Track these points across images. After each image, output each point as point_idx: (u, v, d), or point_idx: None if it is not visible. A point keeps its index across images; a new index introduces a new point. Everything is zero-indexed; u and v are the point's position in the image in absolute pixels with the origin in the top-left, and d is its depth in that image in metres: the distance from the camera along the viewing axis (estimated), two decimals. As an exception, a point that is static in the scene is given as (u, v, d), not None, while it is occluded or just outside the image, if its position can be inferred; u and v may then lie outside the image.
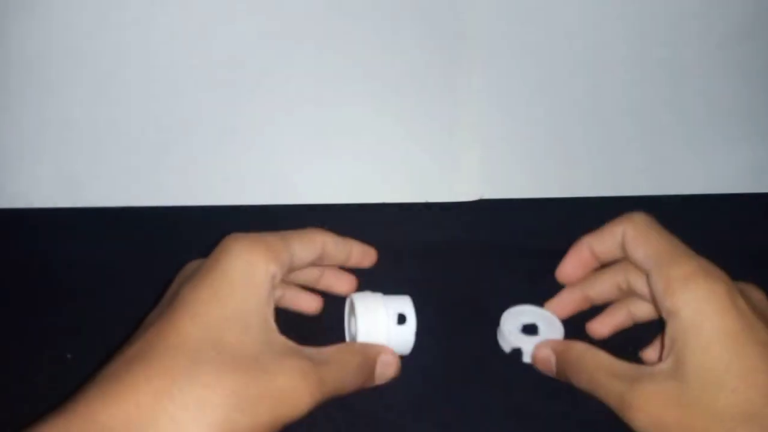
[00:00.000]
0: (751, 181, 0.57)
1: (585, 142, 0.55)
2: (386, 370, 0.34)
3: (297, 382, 0.28)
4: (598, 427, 0.36)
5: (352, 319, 0.37)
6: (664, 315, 0.31)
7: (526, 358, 0.39)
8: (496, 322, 0.41)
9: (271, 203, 0.53)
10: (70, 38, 0.48)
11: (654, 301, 0.33)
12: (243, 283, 0.29)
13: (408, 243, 0.49)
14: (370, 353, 0.34)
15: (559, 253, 0.50)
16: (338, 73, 0.51)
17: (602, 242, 0.37)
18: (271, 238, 0.31)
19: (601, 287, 0.39)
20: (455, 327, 0.43)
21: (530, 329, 0.40)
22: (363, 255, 0.39)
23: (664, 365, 0.30)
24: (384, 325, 0.35)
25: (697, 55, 0.52)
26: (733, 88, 0.54)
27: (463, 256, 0.49)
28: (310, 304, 0.39)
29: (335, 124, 0.53)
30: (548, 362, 0.36)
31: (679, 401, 0.28)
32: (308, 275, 0.38)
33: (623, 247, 0.35)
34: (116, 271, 0.47)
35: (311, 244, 0.34)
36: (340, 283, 0.39)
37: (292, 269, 0.33)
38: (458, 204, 0.55)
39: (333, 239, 0.36)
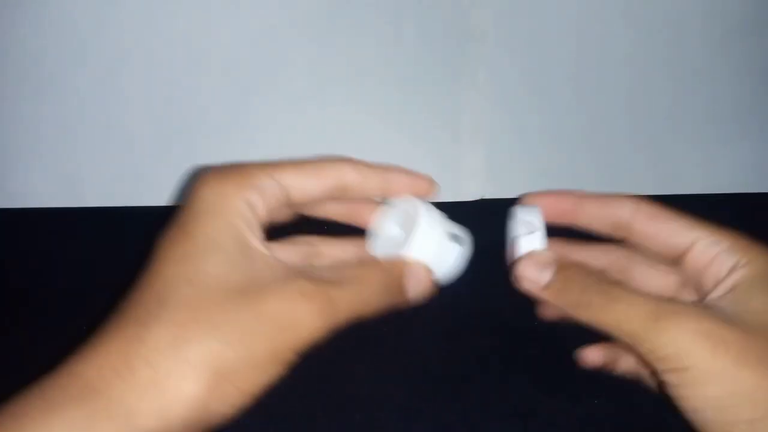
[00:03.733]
0: (752, 181, 0.57)
1: (587, 142, 0.55)
2: (418, 285, 0.30)
3: (296, 304, 0.25)
4: (598, 426, 0.36)
5: (391, 225, 0.31)
6: (717, 269, 0.29)
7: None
8: (496, 323, 0.41)
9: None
10: (69, 37, 0.48)
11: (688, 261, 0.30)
12: (212, 212, 0.26)
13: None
14: (395, 269, 0.29)
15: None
16: (340, 72, 0.51)
17: (601, 208, 0.31)
18: (250, 166, 0.28)
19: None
20: (456, 327, 0.43)
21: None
22: (409, 182, 0.32)
23: (717, 300, 0.27)
24: (437, 238, 0.30)
25: (698, 54, 0.53)
26: (734, 87, 0.54)
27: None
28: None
29: (336, 123, 0.52)
30: (539, 280, 0.30)
31: (742, 328, 0.25)
32: (334, 210, 0.33)
33: (628, 224, 0.31)
34: (116, 271, 0.47)
35: (316, 173, 0.29)
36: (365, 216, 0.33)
37: (291, 200, 0.29)
38: (460, 204, 0.55)
39: (356, 168, 0.30)
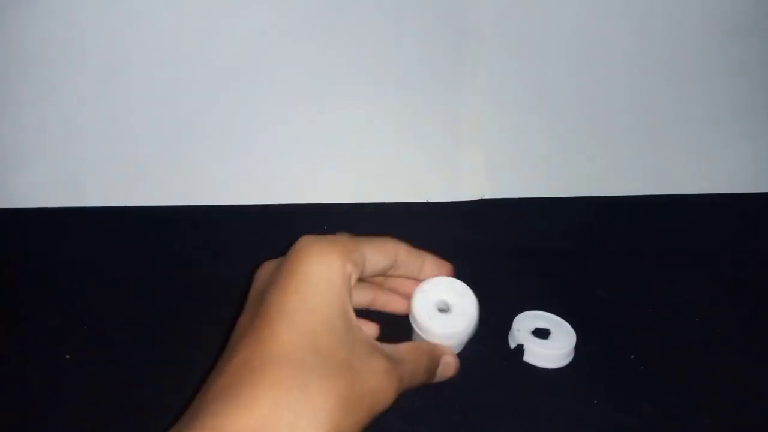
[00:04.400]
0: (752, 181, 0.57)
1: (587, 142, 0.55)
2: (447, 370, 0.36)
3: (385, 381, 0.30)
4: (599, 426, 0.36)
5: (430, 303, 0.37)
6: None
7: (527, 357, 0.39)
8: (496, 322, 0.41)
9: (271, 203, 0.53)
10: (70, 37, 0.48)
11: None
12: (326, 287, 0.30)
13: (409, 242, 0.49)
14: (436, 354, 0.35)
15: (561, 253, 0.50)
16: (340, 72, 0.51)
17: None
18: (345, 240, 0.32)
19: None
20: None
21: (542, 333, 0.40)
22: (438, 267, 0.38)
23: None
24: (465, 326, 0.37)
25: (698, 54, 0.52)
26: (733, 88, 0.54)
27: (465, 255, 0.48)
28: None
29: (337, 123, 0.52)
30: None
31: None
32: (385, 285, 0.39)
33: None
34: (115, 271, 0.47)
35: (384, 251, 0.34)
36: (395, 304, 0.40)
37: (365, 275, 0.33)
38: (460, 204, 0.55)
39: (407, 249, 0.36)
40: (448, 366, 0.36)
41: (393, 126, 0.53)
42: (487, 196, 0.55)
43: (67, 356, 0.40)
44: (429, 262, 0.37)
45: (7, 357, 0.40)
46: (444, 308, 0.38)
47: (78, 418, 0.36)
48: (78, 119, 0.51)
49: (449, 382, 0.38)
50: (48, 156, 0.52)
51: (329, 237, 0.32)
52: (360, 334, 0.31)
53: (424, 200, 0.55)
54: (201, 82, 0.50)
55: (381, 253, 0.34)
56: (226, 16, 0.48)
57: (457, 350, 0.40)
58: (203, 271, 0.47)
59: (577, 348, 0.40)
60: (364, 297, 0.38)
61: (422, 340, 0.38)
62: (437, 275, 0.37)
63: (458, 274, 0.42)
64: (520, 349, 0.40)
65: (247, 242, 0.49)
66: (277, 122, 0.52)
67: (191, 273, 0.47)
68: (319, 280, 0.30)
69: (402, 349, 0.33)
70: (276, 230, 0.51)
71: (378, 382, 0.29)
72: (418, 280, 0.37)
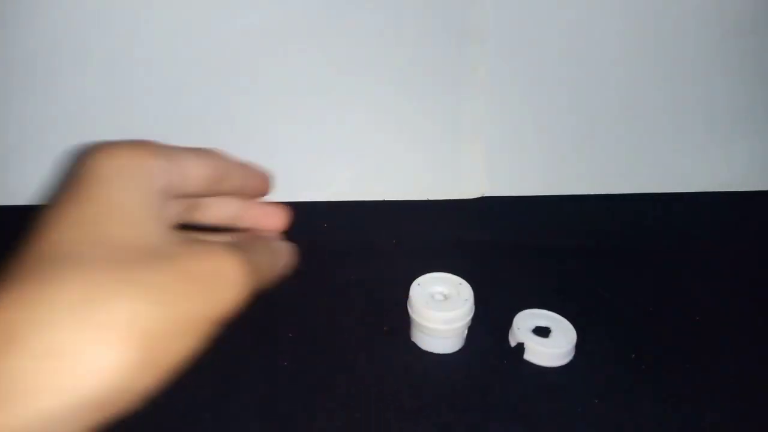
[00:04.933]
0: (751, 179, 0.57)
1: (586, 141, 0.55)
2: (282, 257, 0.29)
3: (223, 262, 0.22)
4: (599, 426, 0.36)
5: (433, 300, 0.40)
6: None
7: (528, 355, 0.39)
8: (497, 320, 0.41)
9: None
10: (70, 37, 0.48)
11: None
12: (114, 176, 0.23)
13: (410, 240, 0.49)
14: (269, 240, 0.30)
15: (561, 251, 0.50)
16: (340, 71, 0.51)
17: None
18: (149, 142, 0.26)
19: None
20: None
21: (542, 331, 0.40)
22: (262, 180, 0.32)
23: None
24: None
25: (697, 54, 0.52)
26: (733, 87, 0.54)
27: (465, 253, 0.49)
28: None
29: (338, 121, 0.52)
30: None
31: None
32: (225, 210, 0.31)
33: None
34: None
35: (203, 155, 0.27)
36: (269, 218, 0.33)
37: (185, 180, 0.26)
38: (460, 201, 0.55)
39: (225, 158, 0.29)
40: (282, 251, 0.29)
41: (394, 124, 0.53)
42: (487, 194, 0.55)
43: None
44: (251, 174, 0.32)
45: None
46: (440, 299, 0.40)
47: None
48: (79, 116, 0.51)
49: (449, 381, 0.39)
50: (49, 153, 0.52)
51: (128, 140, 0.25)
52: (180, 232, 0.24)
53: (425, 198, 0.55)
54: (201, 81, 0.50)
55: (201, 156, 0.27)
56: (228, 15, 0.48)
57: (458, 343, 0.40)
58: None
59: (578, 346, 0.40)
60: (223, 210, 0.31)
61: (422, 330, 0.39)
62: (261, 189, 0.33)
63: (459, 272, 0.42)
64: (520, 347, 0.40)
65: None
66: (278, 120, 0.52)
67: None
68: (106, 175, 0.23)
69: (233, 238, 0.28)
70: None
71: (215, 265, 0.22)
72: (243, 198, 0.32)
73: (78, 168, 0.24)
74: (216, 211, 0.31)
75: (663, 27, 0.51)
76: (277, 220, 0.33)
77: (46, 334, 0.18)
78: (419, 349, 0.40)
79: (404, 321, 0.40)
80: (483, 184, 0.55)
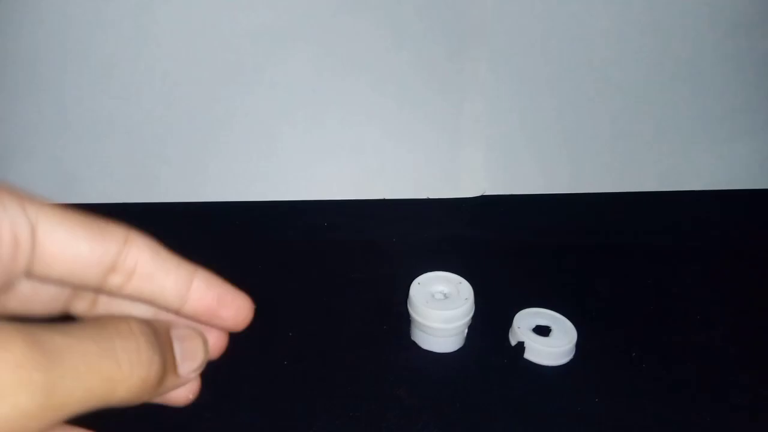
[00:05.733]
0: (753, 178, 0.57)
1: (588, 139, 0.55)
2: (192, 356, 0.20)
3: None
4: (599, 425, 0.36)
5: (433, 300, 0.39)
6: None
7: (528, 354, 0.39)
8: (497, 319, 0.41)
9: (271, 199, 0.53)
10: (68, 35, 0.48)
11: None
12: None
13: (410, 239, 0.49)
14: (159, 329, 0.19)
15: (562, 249, 0.50)
16: (342, 70, 0.50)
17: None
18: None
19: None
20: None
21: (543, 330, 0.40)
22: (216, 306, 0.22)
23: None
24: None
25: (698, 53, 0.52)
26: (734, 85, 0.54)
27: (465, 251, 0.49)
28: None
29: (336, 122, 0.52)
30: None
31: None
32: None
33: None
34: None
35: (97, 230, 0.18)
36: None
37: (43, 260, 0.17)
38: (460, 200, 0.55)
39: (153, 249, 0.20)
40: (192, 350, 0.20)
41: (394, 123, 0.53)
42: (487, 193, 0.55)
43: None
44: (201, 287, 0.21)
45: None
46: (440, 298, 0.39)
47: (78, 418, 0.36)
48: (76, 116, 0.51)
49: (449, 380, 0.38)
50: (45, 153, 0.52)
51: None
52: None
53: (425, 197, 0.54)
54: (200, 80, 0.50)
55: (88, 230, 0.18)
56: (228, 15, 0.48)
57: (458, 342, 0.40)
58: (204, 268, 0.47)
59: (578, 345, 0.40)
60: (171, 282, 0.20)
61: (422, 329, 0.39)
62: (209, 305, 0.21)
63: (459, 271, 0.42)
64: (520, 346, 0.40)
65: (250, 238, 0.49)
66: (278, 120, 0.52)
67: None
68: None
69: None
70: (277, 226, 0.51)
71: None
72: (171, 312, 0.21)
73: None
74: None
75: (663, 27, 0.51)
76: None
77: None
78: (419, 348, 0.40)
79: (404, 320, 0.40)
80: (483, 182, 0.55)
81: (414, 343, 0.40)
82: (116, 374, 0.17)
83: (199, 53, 0.49)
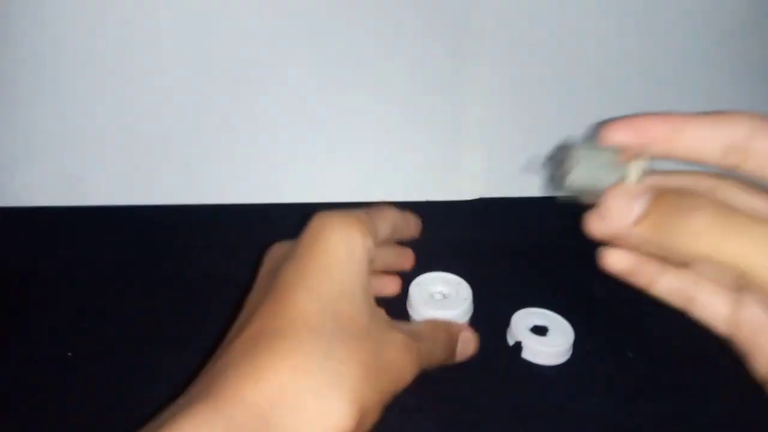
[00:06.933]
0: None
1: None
2: (466, 348, 0.35)
3: (404, 354, 0.28)
4: (600, 426, 0.36)
5: (432, 300, 0.40)
6: None
7: (525, 354, 0.40)
8: (495, 319, 0.41)
9: (271, 202, 0.54)
10: (71, 37, 0.48)
11: None
12: (347, 257, 0.29)
13: (408, 241, 0.49)
14: (453, 329, 0.34)
15: (559, 251, 0.50)
16: (340, 71, 0.51)
17: (709, 129, 0.24)
18: (360, 214, 0.31)
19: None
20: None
21: (540, 330, 0.41)
22: (415, 227, 0.38)
23: None
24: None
25: (698, 53, 0.53)
26: (733, 86, 0.54)
27: (464, 253, 0.49)
28: (393, 287, 0.38)
29: (337, 122, 0.53)
30: (631, 210, 0.23)
31: None
32: (386, 257, 0.37)
33: (745, 145, 0.23)
34: (117, 270, 0.47)
35: (387, 219, 0.34)
36: (407, 261, 0.39)
37: (378, 243, 0.32)
38: (458, 203, 0.55)
39: (398, 212, 0.35)
40: (468, 342, 0.35)
41: (392, 125, 0.53)
42: (485, 195, 0.55)
43: (69, 354, 0.40)
44: (413, 222, 0.37)
45: (7, 356, 0.40)
46: (440, 299, 0.40)
47: (79, 417, 0.37)
48: (79, 118, 0.51)
49: (447, 379, 0.39)
50: (49, 155, 0.52)
51: (345, 212, 0.31)
52: (379, 310, 0.30)
53: (423, 199, 0.55)
54: (202, 82, 0.50)
55: (387, 221, 0.33)
56: (226, 15, 0.48)
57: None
58: (205, 271, 0.47)
59: (575, 345, 0.40)
60: (384, 259, 0.37)
61: None
62: (413, 234, 0.38)
63: (458, 272, 0.42)
64: (518, 346, 0.40)
65: (249, 241, 0.49)
66: (277, 121, 0.52)
67: (193, 272, 0.47)
68: (339, 251, 0.29)
69: (418, 326, 0.33)
70: (277, 229, 0.51)
71: (399, 355, 0.28)
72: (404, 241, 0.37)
73: (311, 241, 0.29)
74: (380, 262, 0.36)
75: (664, 28, 0.51)
76: (410, 261, 0.39)
77: (311, 398, 0.24)
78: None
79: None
80: (481, 185, 0.55)
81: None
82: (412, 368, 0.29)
83: (201, 56, 0.49)
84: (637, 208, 0.23)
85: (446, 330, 0.34)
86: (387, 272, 0.38)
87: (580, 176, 0.26)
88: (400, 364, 0.28)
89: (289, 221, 0.52)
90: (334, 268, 0.28)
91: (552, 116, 0.54)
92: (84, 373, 0.39)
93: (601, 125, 0.26)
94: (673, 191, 0.24)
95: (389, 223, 0.34)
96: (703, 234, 0.21)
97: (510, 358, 0.40)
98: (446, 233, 0.52)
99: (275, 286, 0.28)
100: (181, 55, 0.49)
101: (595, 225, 0.25)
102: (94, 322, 0.43)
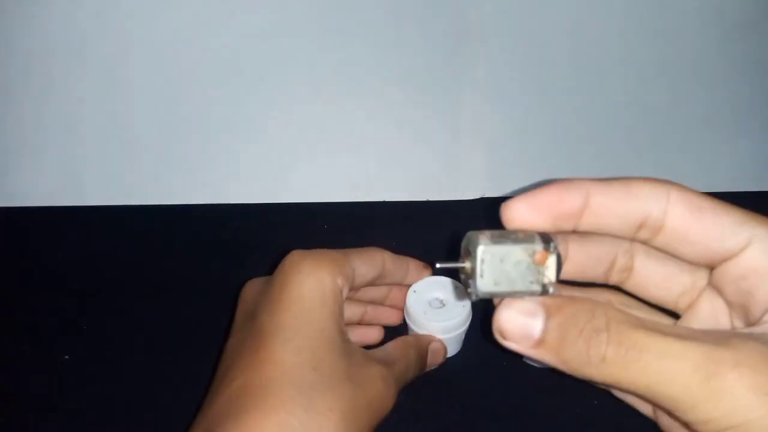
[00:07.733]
0: (751, 179, 0.57)
1: (586, 141, 0.55)
2: (435, 357, 0.36)
3: (383, 388, 0.30)
4: (599, 426, 0.36)
5: (429, 308, 0.38)
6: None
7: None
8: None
9: (273, 201, 0.53)
10: (71, 37, 0.48)
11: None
12: (319, 301, 0.30)
13: (409, 241, 0.49)
14: (422, 343, 0.36)
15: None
16: (341, 70, 0.51)
17: (617, 200, 0.24)
18: (334, 254, 0.32)
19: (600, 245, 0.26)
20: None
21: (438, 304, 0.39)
22: (419, 271, 0.38)
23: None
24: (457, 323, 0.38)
25: (697, 53, 0.52)
26: (733, 86, 0.54)
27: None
28: (373, 336, 0.39)
29: (338, 121, 0.52)
30: (529, 333, 0.23)
31: None
32: (375, 294, 0.39)
33: (657, 221, 0.23)
34: (116, 271, 0.47)
35: (372, 261, 0.34)
36: (391, 316, 0.41)
37: (355, 286, 0.33)
38: (460, 202, 0.55)
39: (391, 257, 0.36)
40: (436, 352, 0.36)
41: (394, 124, 0.53)
42: (487, 195, 0.55)
43: (66, 357, 0.40)
44: (412, 267, 0.38)
45: (7, 357, 0.41)
46: (438, 306, 0.39)
47: (78, 419, 0.37)
48: (79, 118, 0.51)
49: (449, 381, 0.39)
50: (49, 155, 0.52)
51: (318, 251, 0.32)
52: (353, 346, 0.31)
53: (425, 199, 0.55)
54: (202, 81, 0.50)
55: (369, 263, 0.34)
56: (226, 15, 0.48)
57: (456, 347, 0.40)
58: (205, 271, 0.47)
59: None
60: (354, 313, 0.38)
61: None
62: (419, 279, 0.38)
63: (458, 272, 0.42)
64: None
65: (249, 241, 0.49)
66: (277, 121, 0.52)
67: (193, 272, 0.47)
68: (312, 296, 0.30)
69: (390, 349, 0.34)
70: (277, 228, 0.51)
71: (377, 390, 0.30)
72: (403, 287, 0.38)
73: (282, 284, 0.30)
74: (369, 294, 0.38)
75: (664, 27, 0.51)
76: (394, 317, 0.40)
77: None
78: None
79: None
80: (483, 184, 0.55)
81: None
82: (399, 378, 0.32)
83: (198, 54, 0.50)
84: (533, 328, 0.22)
85: (416, 346, 0.35)
86: (369, 322, 0.39)
87: (487, 283, 0.24)
88: (380, 397, 0.30)
89: (289, 221, 0.53)
90: (308, 315, 0.29)
91: (552, 116, 0.54)
92: (82, 376, 0.39)
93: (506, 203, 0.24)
94: (570, 307, 0.22)
95: (373, 266, 0.34)
96: (603, 364, 0.21)
97: (510, 359, 0.40)
98: (447, 233, 0.52)
99: (254, 335, 0.29)
100: (181, 55, 0.49)
101: (499, 340, 0.24)
102: (92, 324, 0.43)
